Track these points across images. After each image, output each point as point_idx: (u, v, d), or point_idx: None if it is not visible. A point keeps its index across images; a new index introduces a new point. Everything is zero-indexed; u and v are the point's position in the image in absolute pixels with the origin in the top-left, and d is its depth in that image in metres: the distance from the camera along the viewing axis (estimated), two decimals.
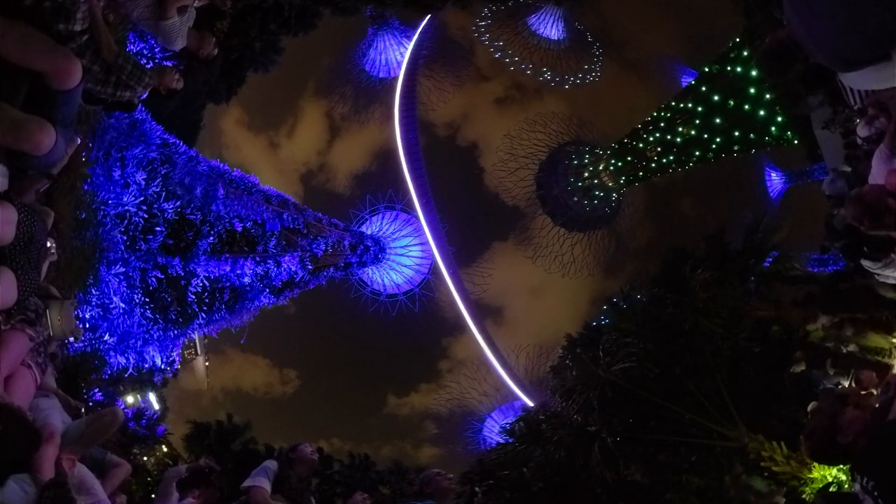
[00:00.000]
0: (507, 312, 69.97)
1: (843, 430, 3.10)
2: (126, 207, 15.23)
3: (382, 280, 40.90)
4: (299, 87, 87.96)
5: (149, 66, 5.40)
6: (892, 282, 5.11)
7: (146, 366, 18.47)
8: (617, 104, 73.06)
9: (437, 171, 46.75)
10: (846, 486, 6.25)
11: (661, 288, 11.56)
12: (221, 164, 19.99)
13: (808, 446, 3.42)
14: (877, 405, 3.19)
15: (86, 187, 14.14)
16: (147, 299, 16.19)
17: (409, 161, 43.90)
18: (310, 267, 22.63)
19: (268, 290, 20.38)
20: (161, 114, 18.51)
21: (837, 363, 8.86)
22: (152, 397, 24.29)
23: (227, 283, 18.42)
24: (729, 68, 33.12)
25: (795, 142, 32.96)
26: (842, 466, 6.43)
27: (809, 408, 3.62)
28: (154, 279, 16.16)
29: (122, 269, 15.40)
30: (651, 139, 39.46)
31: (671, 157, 39.05)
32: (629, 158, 41.25)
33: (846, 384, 8.31)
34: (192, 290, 17.21)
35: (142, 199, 15.58)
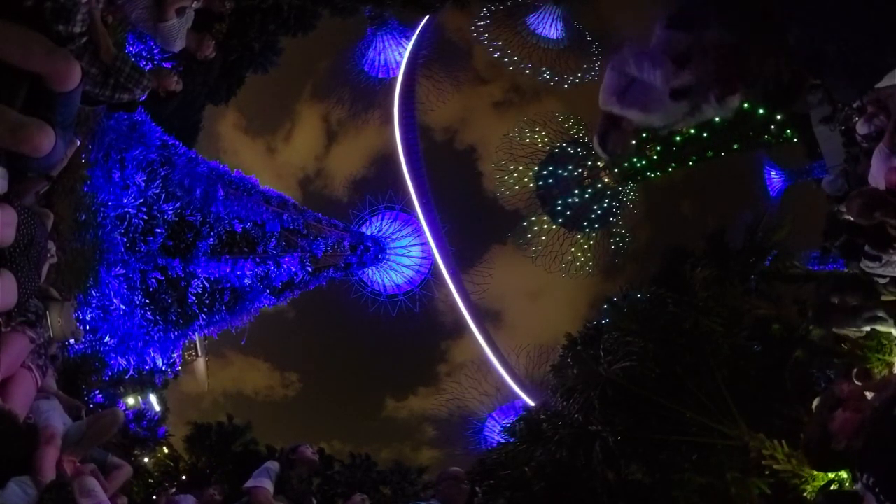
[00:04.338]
0: (508, 313, 69.97)
1: (835, 436, 3.10)
2: (126, 209, 15.21)
3: (382, 280, 40.91)
4: (297, 91, 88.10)
5: (147, 68, 5.40)
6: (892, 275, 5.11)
7: (147, 367, 18.46)
8: None
9: (436, 173, 46.70)
10: (847, 484, 6.25)
11: (662, 287, 11.52)
12: (221, 165, 20.00)
13: (809, 459, 3.42)
14: (876, 405, 3.19)
15: (85, 189, 14.11)
16: (147, 301, 16.18)
17: (409, 160, 43.86)
18: (310, 268, 22.65)
19: (268, 290, 20.40)
20: (160, 115, 18.50)
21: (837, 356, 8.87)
22: (153, 399, 24.23)
23: (228, 285, 18.43)
24: None
25: (795, 140, 32.95)
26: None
27: (814, 403, 3.62)
28: (154, 280, 16.16)
29: (123, 271, 15.38)
30: (650, 138, 39.41)
31: (671, 157, 39.01)
32: (629, 158, 41.19)
33: (845, 384, 8.29)
34: (193, 291, 17.21)
35: (141, 200, 15.56)
